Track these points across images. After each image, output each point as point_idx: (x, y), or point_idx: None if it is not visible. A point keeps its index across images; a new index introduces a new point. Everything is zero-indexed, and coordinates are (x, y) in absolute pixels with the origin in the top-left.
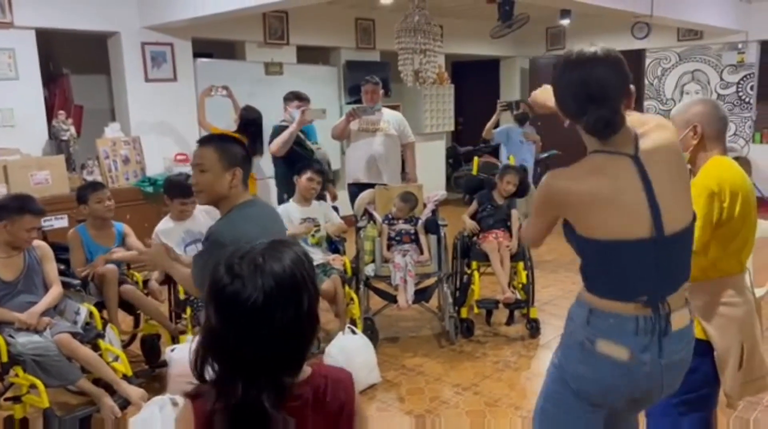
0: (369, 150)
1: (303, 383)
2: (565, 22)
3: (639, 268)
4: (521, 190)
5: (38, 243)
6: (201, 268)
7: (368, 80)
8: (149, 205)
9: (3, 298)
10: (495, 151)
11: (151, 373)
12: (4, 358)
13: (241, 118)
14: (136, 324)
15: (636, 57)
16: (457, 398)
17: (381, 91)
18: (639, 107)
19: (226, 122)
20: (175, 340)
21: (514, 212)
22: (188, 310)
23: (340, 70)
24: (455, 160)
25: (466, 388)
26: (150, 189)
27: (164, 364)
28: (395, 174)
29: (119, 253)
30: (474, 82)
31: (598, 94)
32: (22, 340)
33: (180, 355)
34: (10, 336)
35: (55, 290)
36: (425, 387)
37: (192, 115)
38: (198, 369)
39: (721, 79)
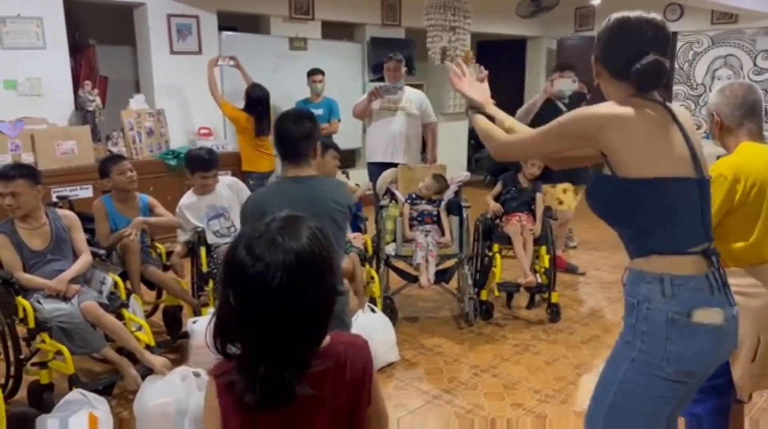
0: (390, 129)
1: (323, 353)
2: (596, 2)
3: (692, 211)
4: (546, 174)
5: (65, 212)
6: None
7: (391, 57)
8: (172, 177)
9: (33, 267)
10: None
11: (173, 344)
12: (31, 324)
13: (247, 97)
14: (159, 295)
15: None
16: (475, 380)
17: (404, 69)
18: (668, 91)
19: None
20: (197, 312)
21: (538, 196)
22: (210, 283)
23: (364, 46)
24: (477, 141)
25: (484, 369)
26: (173, 162)
27: (186, 335)
28: (416, 153)
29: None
30: (499, 62)
31: (657, 48)
32: (49, 306)
33: (201, 327)
34: (38, 302)
35: (85, 258)
36: (443, 367)
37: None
38: (219, 347)
39: (755, 64)
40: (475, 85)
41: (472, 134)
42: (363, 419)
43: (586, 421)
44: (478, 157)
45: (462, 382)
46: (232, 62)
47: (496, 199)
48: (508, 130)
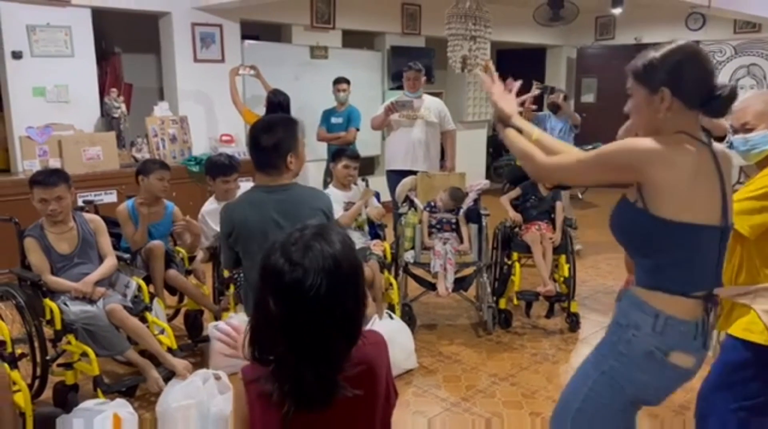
0: (409, 137)
1: (354, 356)
2: (617, 11)
3: (709, 258)
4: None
5: (92, 216)
6: None
7: (411, 67)
8: (194, 183)
9: (60, 270)
10: None
11: (194, 348)
12: (58, 326)
13: (268, 102)
14: (180, 299)
15: None
16: (493, 388)
17: (423, 79)
18: None
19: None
20: (217, 317)
21: (558, 204)
22: (231, 288)
23: (384, 55)
24: (495, 150)
25: (503, 378)
26: (196, 168)
27: (206, 339)
28: (434, 161)
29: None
30: (519, 70)
31: (714, 82)
32: (76, 309)
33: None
34: (65, 304)
35: (110, 261)
36: (462, 375)
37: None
38: (254, 352)
39: None
40: (505, 96)
41: (491, 142)
42: (391, 410)
43: (554, 418)
44: (497, 165)
45: (480, 390)
46: (252, 71)
47: (515, 206)
48: (536, 142)
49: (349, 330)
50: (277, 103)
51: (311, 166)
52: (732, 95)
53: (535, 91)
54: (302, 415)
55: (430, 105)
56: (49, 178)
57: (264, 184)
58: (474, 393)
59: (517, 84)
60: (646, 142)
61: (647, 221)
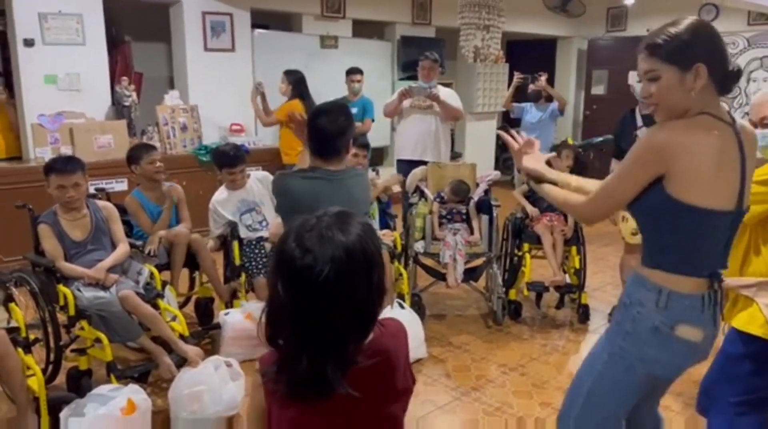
0: (420, 127)
1: (368, 348)
2: (629, 2)
3: (717, 242)
4: (578, 169)
5: (104, 204)
6: None
7: (427, 56)
8: (204, 172)
9: (74, 256)
10: None
11: (204, 335)
12: (72, 312)
13: (290, 81)
14: (191, 287)
15: None
16: (503, 378)
17: (439, 69)
18: None
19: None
20: (228, 304)
21: None
22: (243, 276)
23: (394, 45)
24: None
25: (512, 368)
26: (206, 157)
27: (217, 326)
28: (445, 152)
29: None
30: (529, 62)
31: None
32: (89, 295)
33: (233, 318)
34: (78, 290)
35: (122, 248)
36: (471, 365)
37: (248, 86)
38: (269, 339)
39: None
40: (530, 155)
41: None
42: (408, 398)
43: (565, 404)
44: (506, 157)
45: (490, 380)
46: (262, 88)
47: (526, 198)
48: (577, 189)
49: (360, 321)
50: (298, 78)
51: None
52: (739, 73)
53: (517, 81)
54: (309, 406)
55: (444, 95)
56: (67, 165)
57: (322, 168)
58: (484, 383)
59: (538, 143)
60: (663, 135)
61: (663, 201)
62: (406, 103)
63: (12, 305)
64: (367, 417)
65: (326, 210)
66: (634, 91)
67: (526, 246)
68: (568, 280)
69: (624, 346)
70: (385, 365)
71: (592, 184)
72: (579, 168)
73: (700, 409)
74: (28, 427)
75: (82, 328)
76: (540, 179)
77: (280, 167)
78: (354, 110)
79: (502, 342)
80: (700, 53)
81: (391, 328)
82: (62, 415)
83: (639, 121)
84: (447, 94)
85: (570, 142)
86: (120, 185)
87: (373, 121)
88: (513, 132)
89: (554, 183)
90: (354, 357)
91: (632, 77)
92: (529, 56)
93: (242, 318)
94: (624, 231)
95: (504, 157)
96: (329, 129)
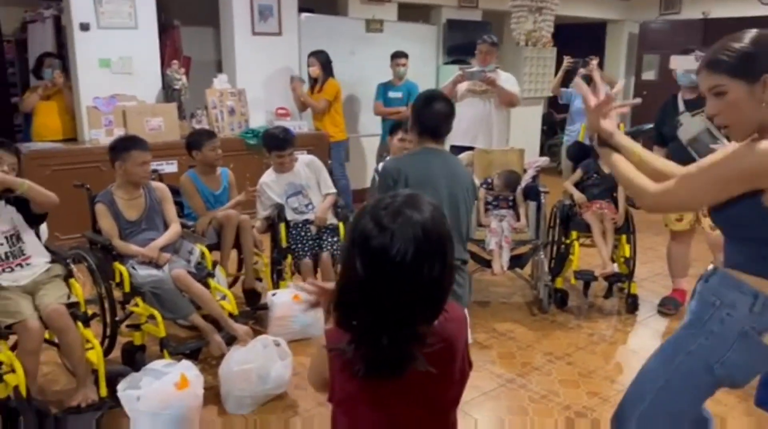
0: (474, 112)
1: (435, 332)
2: None
3: None
4: None
5: (157, 185)
6: None
7: (485, 40)
8: (251, 155)
9: (128, 236)
10: None
11: (252, 315)
12: (127, 289)
13: (321, 63)
14: (240, 267)
15: (764, 25)
16: (549, 366)
17: (497, 53)
18: None
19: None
20: (275, 285)
21: None
22: (289, 258)
23: (440, 28)
24: (549, 127)
25: (558, 357)
26: (253, 141)
27: (264, 307)
28: (499, 138)
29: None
30: (577, 46)
31: None
32: (143, 273)
33: (281, 299)
34: (133, 268)
35: (174, 228)
36: (516, 352)
37: (294, 71)
38: (340, 314)
39: None
40: (605, 112)
41: (545, 120)
42: (464, 384)
43: (632, 394)
44: (552, 143)
45: (536, 368)
46: (300, 79)
47: (576, 185)
48: (639, 164)
49: (433, 300)
50: (326, 59)
51: (365, 141)
52: None
53: (567, 66)
54: (376, 384)
55: (504, 79)
56: (144, 143)
57: (432, 148)
58: (529, 370)
59: (618, 88)
60: None
61: (762, 216)
62: (462, 87)
63: (72, 281)
64: (427, 400)
65: (397, 191)
66: (677, 76)
67: (574, 234)
68: (616, 269)
69: (706, 345)
70: (448, 351)
71: (654, 160)
72: None
73: (760, 402)
74: (88, 397)
75: (136, 305)
76: (607, 141)
77: (326, 150)
78: (399, 94)
79: (547, 330)
80: (767, 64)
81: (453, 313)
82: (119, 387)
83: (681, 107)
84: (504, 79)
85: (621, 128)
86: (170, 167)
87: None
88: (600, 85)
89: (618, 150)
90: (424, 338)
91: (674, 62)
92: (578, 40)
93: (289, 299)
94: (666, 218)
95: (549, 144)
96: (444, 112)
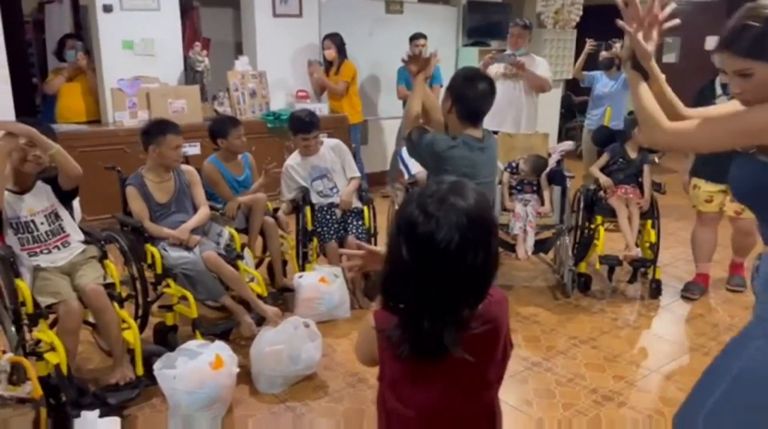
0: (506, 95)
1: (480, 315)
2: None
3: None
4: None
5: (186, 168)
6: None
7: (517, 23)
8: (273, 138)
9: (158, 218)
10: None
11: (279, 296)
12: (159, 270)
13: (336, 46)
14: (264, 250)
15: None
16: (574, 350)
17: (529, 36)
18: None
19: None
20: (301, 268)
21: (646, 167)
22: (315, 241)
23: (460, 10)
24: (568, 111)
25: (583, 341)
26: (274, 123)
27: (290, 288)
28: (527, 123)
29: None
30: (598, 29)
31: None
32: (175, 254)
33: (307, 281)
34: (164, 249)
35: (203, 211)
36: (541, 336)
37: (313, 54)
38: (386, 297)
39: None
40: (647, 32)
41: (563, 103)
42: (506, 365)
43: (704, 385)
44: (570, 127)
45: (561, 352)
46: (318, 64)
47: (602, 169)
48: (658, 93)
49: (477, 286)
50: (342, 39)
51: (386, 124)
52: None
53: (589, 48)
54: (421, 364)
55: (535, 64)
56: (178, 127)
57: (471, 135)
58: (554, 354)
59: (668, 9)
60: None
61: None
62: (495, 68)
63: (107, 262)
64: (471, 380)
65: (441, 178)
66: (714, 59)
67: (599, 218)
68: (640, 253)
69: (751, 360)
70: (492, 333)
71: (681, 105)
72: None
73: None
74: (126, 375)
75: (168, 286)
76: (640, 63)
77: (346, 133)
78: None
79: (571, 314)
80: None
81: (497, 296)
82: (156, 366)
83: (719, 90)
84: (537, 63)
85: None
86: (193, 149)
87: (441, 86)
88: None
89: (646, 77)
90: (468, 322)
91: (711, 43)
92: (597, 22)
93: (316, 281)
94: (695, 199)
95: (567, 127)
96: (487, 91)
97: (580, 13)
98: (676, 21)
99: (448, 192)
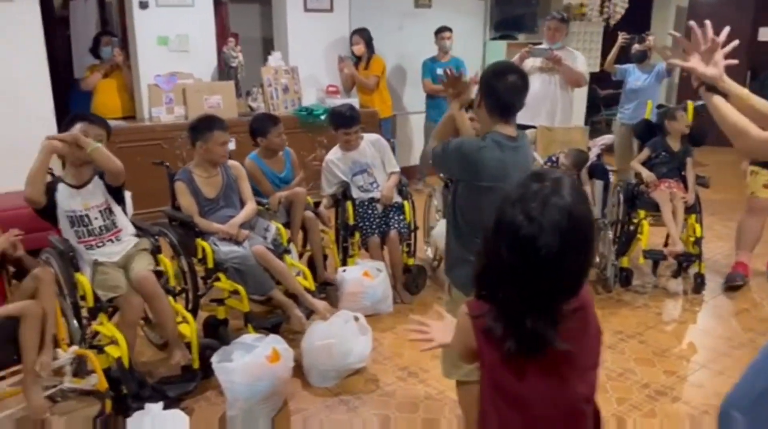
0: (536, 90)
1: (575, 310)
2: None
3: None
4: (697, 136)
5: (233, 163)
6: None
7: (554, 16)
8: (305, 133)
9: (207, 213)
10: None
11: (322, 290)
12: (210, 264)
13: (365, 41)
14: (305, 244)
15: None
16: (622, 345)
17: (565, 29)
18: None
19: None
20: (343, 262)
21: (689, 161)
22: (356, 235)
23: (487, 3)
24: (593, 104)
25: (630, 336)
26: (307, 119)
27: (330, 283)
28: (562, 118)
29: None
30: (623, 20)
31: None
32: (225, 249)
33: (351, 275)
34: (215, 244)
35: (250, 206)
36: None
37: (343, 49)
38: (482, 289)
39: None
40: (709, 57)
41: (588, 97)
42: (600, 346)
43: (741, 380)
44: (595, 120)
45: (609, 346)
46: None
47: (644, 163)
48: (745, 108)
49: (574, 285)
50: (370, 34)
51: (412, 119)
52: None
53: (622, 41)
54: (523, 357)
55: (571, 59)
56: (225, 123)
57: (502, 133)
58: (602, 349)
59: (724, 33)
60: None
61: None
62: (531, 62)
63: (161, 256)
64: (573, 367)
65: (542, 175)
66: None
67: (641, 213)
68: (684, 248)
69: None
70: (584, 317)
71: (763, 105)
72: (698, 130)
73: None
74: (186, 356)
75: (218, 280)
76: (713, 87)
77: (377, 128)
78: None
79: (614, 309)
80: None
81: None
82: (213, 359)
83: None
84: (573, 57)
85: (690, 105)
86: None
87: None
88: (698, 32)
89: (726, 96)
90: (564, 315)
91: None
92: (625, 14)
93: (360, 275)
94: (754, 185)
95: (592, 121)
96: (519, 84)
97: (626, 6)
98: (735, 42)
99: (551, 192)
